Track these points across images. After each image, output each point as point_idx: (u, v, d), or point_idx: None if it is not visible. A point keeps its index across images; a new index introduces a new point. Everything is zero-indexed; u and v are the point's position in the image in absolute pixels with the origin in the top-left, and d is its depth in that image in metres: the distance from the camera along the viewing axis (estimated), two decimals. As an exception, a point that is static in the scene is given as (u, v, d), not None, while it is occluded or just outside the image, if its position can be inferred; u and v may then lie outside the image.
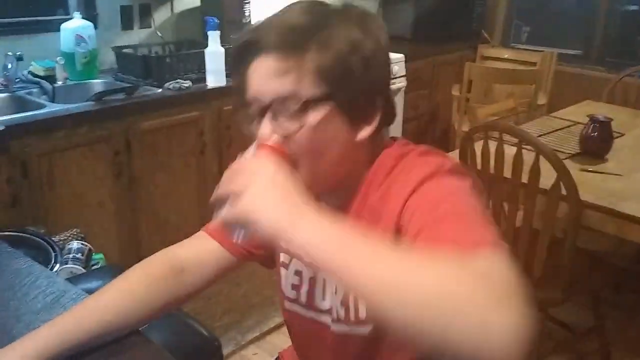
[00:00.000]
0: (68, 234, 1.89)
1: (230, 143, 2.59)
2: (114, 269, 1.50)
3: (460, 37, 4.07)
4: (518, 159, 1.85)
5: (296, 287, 0.97)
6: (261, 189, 0.70)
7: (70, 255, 1.71)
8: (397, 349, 0.88)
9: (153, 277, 0.96)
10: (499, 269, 0.61)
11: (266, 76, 0.80)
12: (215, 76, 2.49)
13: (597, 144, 2.23)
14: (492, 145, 1.95)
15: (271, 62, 0.79)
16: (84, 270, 1.67)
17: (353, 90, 0.81)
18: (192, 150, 2.48)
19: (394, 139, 0.92)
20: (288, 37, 0.79)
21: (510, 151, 1.90)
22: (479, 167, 1.99)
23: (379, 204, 0.84)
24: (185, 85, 2.42)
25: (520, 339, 0.54)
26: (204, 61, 2.50)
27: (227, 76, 2.54)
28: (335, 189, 0.88)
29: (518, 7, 4.36)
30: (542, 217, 1.89)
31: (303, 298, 0.96)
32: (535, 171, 1.81)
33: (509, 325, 0.54)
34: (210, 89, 2.50)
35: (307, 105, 0.78)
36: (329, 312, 0.93)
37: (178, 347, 1.01)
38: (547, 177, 1.80)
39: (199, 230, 1.05)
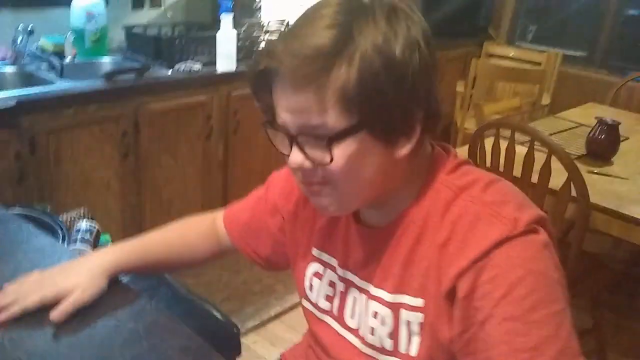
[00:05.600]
0: (75, 213, 1.88)
1: (236, 129, 2.58)
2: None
3: (466, 33, 4.06)
4: (529, 157, 1.86)
5: (329, 299, 0.93)
6: None
7: (79, 236, 1.70)
8: None
9: (201, 231, 1.11)
10: None
11: (288, 109, 0.73)
12: (226, 60, 2.48)
13: (604, 146, 2.25)
14: (501, 143, 1.96)
15: (291, 95, 0.72)
16: (92, 251, 1.66)
17: (385, 112, 0.72)
18: (199, 134, 2.47)
19: (441, 146, 0.85)
20: (306, 65, 0.69)
21: (519, 150, 1.91)
22: (487, 164, 2.00)
23: (432, 245, 0.78)
24: (196, 68, 2.40)
25: None
26: (214, 44, 2.48)
27: (237, 61, 2.52)
28: (376, 203, 0.83)
29: (525, 6, 4.37)
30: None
31: (335, 311, 0.92)
32: (546, 171, 1.82)
33: None
34: (220, 74, 2.49)
35: (333, 140, 0.72)
36: (356, 331, 0.89)
37: (197, 331, 1.01)
38: (555, 177, 1.81)
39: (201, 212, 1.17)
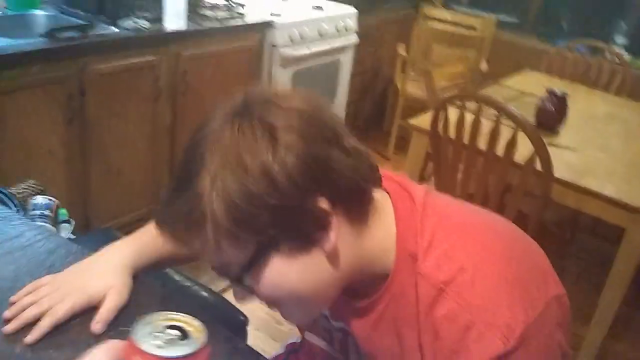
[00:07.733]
0: (25, 186, 1.72)
1: (185, 91, 2.45)
2: (105, 234, 1.39)
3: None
4: (495, 131, 1.90)
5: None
6: None
7: (37, 212, 1.56)
8: None
9: None
10: None
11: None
12: (175, 18, 2.32)
13: (553, 117, 2.33)
14: (456, 113, 1.98)
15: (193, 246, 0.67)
16: (53, 228, 1.54)
17: (276, 223, 0.63)
18: (147, 96, 2.32)
19: (396, 185, 0.76)
20: (181, 218, 0.65)
21: (483, 122, 1.94)
22: (452, 136, 2.02)
23: (420, 339, 0.70)
24: (144, 25, 2.23)
25: None
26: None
27: (187, 19, 2.38)
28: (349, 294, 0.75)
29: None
30: (512, 191, 1.97)
31: None
32: (512, 145, 1.86)
33: None
34: (169, 32, 2.33)
35: (242, 270, 0.66)
36: None
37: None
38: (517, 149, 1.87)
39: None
